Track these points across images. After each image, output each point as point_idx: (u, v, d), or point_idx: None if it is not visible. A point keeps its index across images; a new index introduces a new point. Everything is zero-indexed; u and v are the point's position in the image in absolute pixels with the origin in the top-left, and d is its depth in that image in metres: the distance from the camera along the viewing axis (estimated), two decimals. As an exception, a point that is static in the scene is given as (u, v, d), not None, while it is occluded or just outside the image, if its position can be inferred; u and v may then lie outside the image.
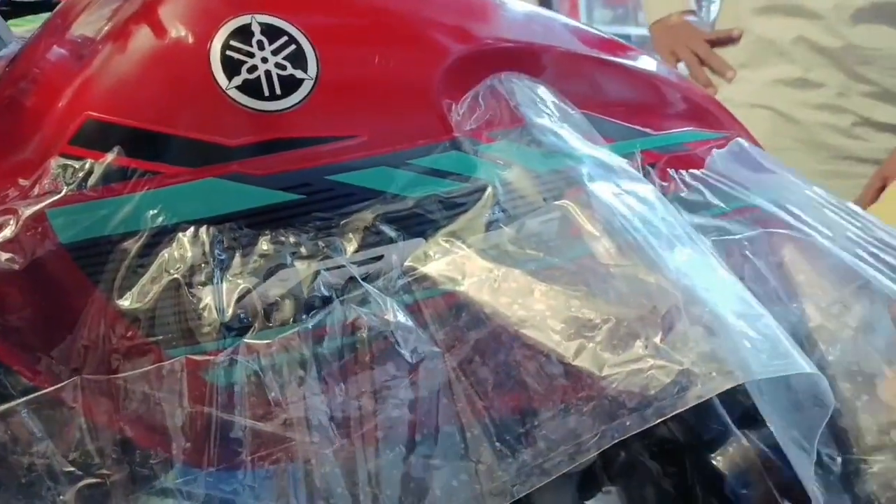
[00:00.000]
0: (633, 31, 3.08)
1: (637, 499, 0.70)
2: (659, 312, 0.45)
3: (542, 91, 0.57)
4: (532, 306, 0.47)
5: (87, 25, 0.50)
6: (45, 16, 0.71)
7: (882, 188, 1.04)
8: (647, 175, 0.60)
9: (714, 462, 0.62)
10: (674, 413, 0.43)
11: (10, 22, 0.71)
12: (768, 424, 0.50)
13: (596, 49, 0.62)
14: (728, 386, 0.43)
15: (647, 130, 0.62)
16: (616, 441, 0.44)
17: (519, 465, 0.47)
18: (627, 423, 0.44)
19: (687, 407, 0.43)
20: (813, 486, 0.48)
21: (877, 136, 1.22)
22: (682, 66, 1.39)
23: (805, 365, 0.45)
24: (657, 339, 0.45)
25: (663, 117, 0.65)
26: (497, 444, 0.48)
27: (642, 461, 0.67)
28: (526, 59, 0.57)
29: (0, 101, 0.50)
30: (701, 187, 0.60)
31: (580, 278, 0.48)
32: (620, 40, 0.65)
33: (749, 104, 1.26)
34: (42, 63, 0.51)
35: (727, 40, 1.31)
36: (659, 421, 0.43)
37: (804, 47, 1.23)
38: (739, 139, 0.67)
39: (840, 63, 1.22)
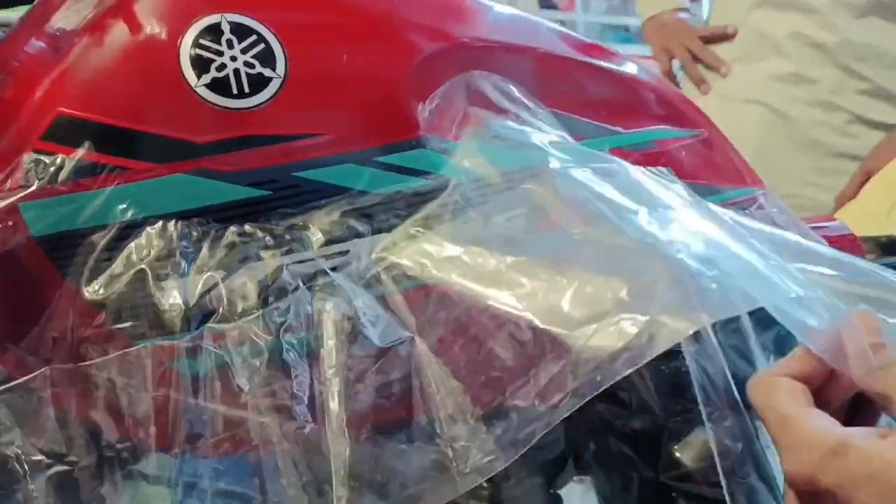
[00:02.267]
0: (633, 21, 3.07)
1: (609, 488, 0.72)
2: (623, 271, 0.45)
3: (510, 89, 0.58)
4: (500, 279, 0.48)
5: (67, 18, 0.50)
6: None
7: (864, 183, 1.05)
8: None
9: (678, 455, 0.63)
10: (644, 362, 0.43)
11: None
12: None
13: (569, 50, 0.63)
14: (695, 328, 0.44)
15: (618, 129, 0.63)
16: (589, 398, 0.44)
17: (494, 439, 0.48)
18: (598, 378, 0.43)
19: (656, 354, 0.43)
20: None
21: (870, 134, 1.22)
22: (675, 63, 1.39)
23: (763, 300, 0.44)
24: (622, 295, 0.45)
25: (635, 116, 0.66)
26: (471, 421, 0.49)
27: (613, 451, 0.68)
28: (496, 58, 0.58)
29: (-21, 93, 0.52)
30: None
31: (545, 248, 0.48)
32: (595, 42, 0.66)
33: (743, 99, 1.26)
34: (20, 55, 0.52)
35: (721, 37, 1.31)
36: (629, 371, 0.43)
37: (799, 42, 1.23)
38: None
39: (835, 59, 1.22)
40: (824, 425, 0.39)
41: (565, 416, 0.45)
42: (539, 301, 0.46)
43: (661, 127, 0.67)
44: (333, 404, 0.48)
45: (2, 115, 0.49)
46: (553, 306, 0.46)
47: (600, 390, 0.44)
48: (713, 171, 0.71)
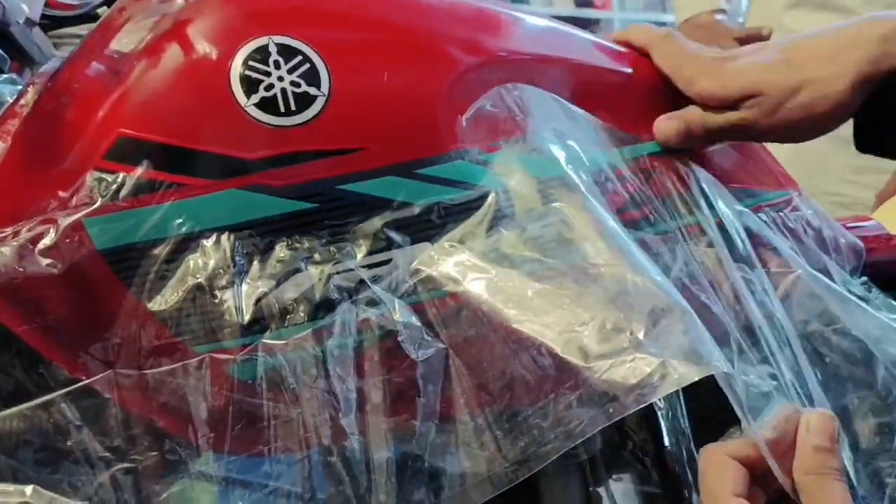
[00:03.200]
0: (669, 17, 3.06)
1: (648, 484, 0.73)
2: (643, 311, 0.48)
3: (548, 99, 0.59)
4: (526, 304, 0.51)
5: (125, 42, 0.53)
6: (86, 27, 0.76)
7: None
8: (648, 178, 0.62)
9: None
10: (653, 399, 0.47)
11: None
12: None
13: (601, 59, 0.65)
14: (701, 375, 0.47)
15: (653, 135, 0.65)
16: (602, 427, 0.48)
17: (516, 451, 0.51)
18: (610, 411, 0.47)
19: (664, 394, 0.47)
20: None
21: None
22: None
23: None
24: (640, 335, 0.48)
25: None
26: (497, 432, 0.51)
27: (649, 448, 0.70)
28: (531, 70, 0.59)
29: (42, 114, 0.55)
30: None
31: (572, 278, 0.51)
32: (626, 50, 0.67)
33: None
34: (81, 79, 0.55)
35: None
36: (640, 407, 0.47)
37: None
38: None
39: None
40: None
41: (577, 442, 0.48)
42: (561, 331, 0.50)
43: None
44: (375, 414, 0.51)
45: (65, 136, 0.52)
46: (574, 337, 0.49)
47: (611, 422, 0.47)
48: (748, 173, 0.72)
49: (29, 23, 0.66)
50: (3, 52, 0.61)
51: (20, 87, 0.61)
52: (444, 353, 0.51)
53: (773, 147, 0.74)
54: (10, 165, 0.53)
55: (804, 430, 0.46)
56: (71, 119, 0.52)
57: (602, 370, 0.47)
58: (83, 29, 0.79)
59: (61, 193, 0.50)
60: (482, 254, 0.52)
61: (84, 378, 0.50)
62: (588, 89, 0.62)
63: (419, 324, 0.51)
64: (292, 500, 0.56)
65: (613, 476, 0.74)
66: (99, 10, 0.78)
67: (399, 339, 0.51)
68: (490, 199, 0.54)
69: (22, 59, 0.68)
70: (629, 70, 0.65)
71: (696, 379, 0.47)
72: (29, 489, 0.48)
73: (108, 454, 0.49)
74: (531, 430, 0.50)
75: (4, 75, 0.62)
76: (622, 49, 0.67)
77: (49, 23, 0.75)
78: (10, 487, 0.48)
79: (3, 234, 0.49)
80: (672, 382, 0.46)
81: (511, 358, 0.51)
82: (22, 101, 0.57)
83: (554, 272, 0.52)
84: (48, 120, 0.54)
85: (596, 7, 3.51)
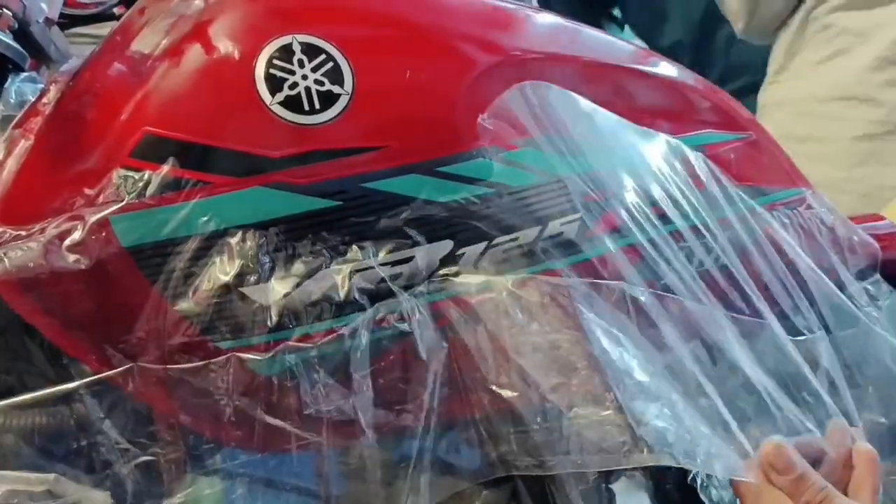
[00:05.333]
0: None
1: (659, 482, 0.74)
2: (634, 379, 0.51)
3: (568, 97, 0.60)
4: (528, 337, 0.53)
5: (145, 42, 0.54)
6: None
7: None
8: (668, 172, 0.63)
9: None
10: (615, 468, 0.52)
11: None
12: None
13: (616, 56, 0.65)
14: (666, 463, 0.51)
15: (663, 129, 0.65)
16: (557, 472, 0.52)
17: (498, 455, 0.54)
18: (574, 460, 0.51)
19: (626, 467, 0.51)
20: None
21: None
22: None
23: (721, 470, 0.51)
24: (624, 401, 0.51)
25: (685, 121, 0.68)
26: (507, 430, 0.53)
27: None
28: (551, 68, 0.60)
29: (65, 114, 0.55)
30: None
31: (576, 323, 0.53)
32: (644, 47, 0.68)
33: (831, 98, 1.24)
34: (104, 79, 0.55)
35: None
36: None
37: (881, 32, 1.21)
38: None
39: None
40: None
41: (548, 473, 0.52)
42: (554, 372, 0.52)
43: (710, 131, 0.68)
44: (391, 412, 0.52)
45: (88, 134, 0.52)
46: (563, 382, 0.52)
47: (565, 471, 0.52)
48: (761, 172, 0.72)
49: (48, 22, 0.66)
50: (23, 50, 0.61)
51: (40, 86, 0.62)
52: (448, 355, 0.52)
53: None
54: (34, 163, 0.53)
55: (768, 467, 0.50)
56: (96, 118, 0.52)
57: (580, 424, 0.51)
58: (99, 28, 0.79)
59: (87, 191, 0.50)
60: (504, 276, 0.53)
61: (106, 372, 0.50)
62: (601, 86, 0.63)
63: (432, 324, 0.52)
64: (307, 497, 0.57)
65: (626, 473, 0.75)
66: (115, 10, 0.78)
67: (412, 338, 0.52)
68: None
69: (40, 57, 0.68)
70: (648, 68, 0.65)
71: (658, 463, 0.50)
72: (51, 478, 0.48)
73: (129, 446, 0.49)
74: (510, 443, 0.53)
75: (25, 74, 0.62)
76: (641, 46, 0.67)
77: (66, 21, 0.75)
78: (33, 476, 0.48)
79: (30, 231, 0.50)
80: (637, 459, 0.50)
81: (501, 378, 0.52)
82: (44, 100, 0.57)
83: (565, 304, 0.54)
84: (72, 118, 0.54)
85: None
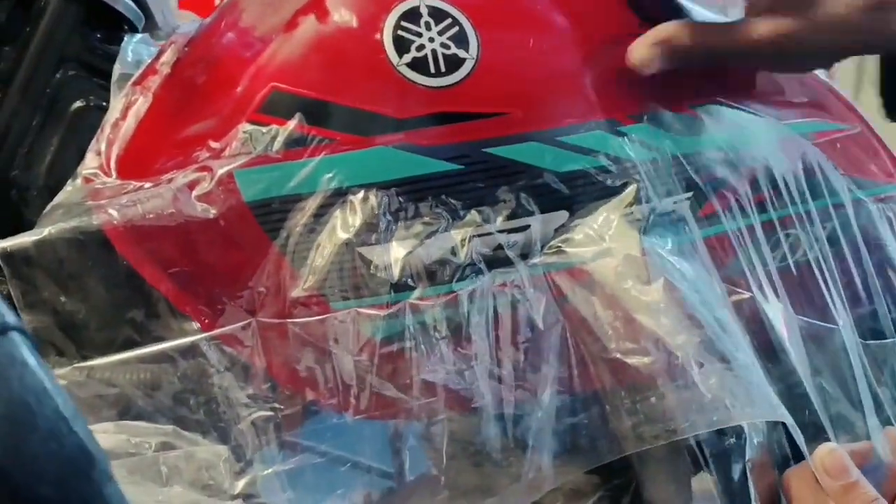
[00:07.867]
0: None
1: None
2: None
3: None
4: (649, 296, 0.52)
5: (271, 4, 0.54)
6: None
7: None
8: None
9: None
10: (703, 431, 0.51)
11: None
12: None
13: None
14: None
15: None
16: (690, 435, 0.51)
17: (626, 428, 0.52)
18: (714, 419, 0.50)
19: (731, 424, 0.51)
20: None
21: None
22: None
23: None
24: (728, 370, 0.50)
25: (788, 107, 0.67)
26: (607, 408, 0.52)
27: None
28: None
29: (183, 77, 0.55)
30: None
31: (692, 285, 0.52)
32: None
33: None
34: (224, 42, 0.56)
35: None
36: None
37: None
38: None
39: None
40: None
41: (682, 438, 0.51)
42: (677, 331, 0.51)
43: (817, 119, 0.67)
44: (507, 382, 0.51)
45: (216, 88, 0.52)
46: (688, 342, 0.51)
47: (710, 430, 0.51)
48: (863, 165, 0.71)
49: (159, -13, 0.67)
50: (139, 11, 0.62)
51: (154, 49, 0.62)
52: (562, 325, 0.52)
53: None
54: (153, 119, 0.54)
55: (821, 471, 0.50)
56: (222, 73, 0.53)
57: (709, 380, 0.49)
58: None
59: (213, 143, 0.50)
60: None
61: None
62: (718, 70, 0.62)
63: (546, 294, 0.51)
64: (381, 478, 0.56)
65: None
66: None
67: (527, 307, 0.51)
68: (629, 189, 0.54)
69: (149, 22, 0.69)
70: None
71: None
72: (170, 429, 0.48)
73: (248, 401, 0.49)
74: (636, 414, 0.51)
75: (139, 35, 0.63)
76: None
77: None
78: (152, 427, 0.48)
79: (156, 182, 0.50)
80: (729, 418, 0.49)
81: (623, 344, 0.51)
82: (162, 59, 0.58)
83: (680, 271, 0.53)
84: (193, 77, 0.55)
85: None
